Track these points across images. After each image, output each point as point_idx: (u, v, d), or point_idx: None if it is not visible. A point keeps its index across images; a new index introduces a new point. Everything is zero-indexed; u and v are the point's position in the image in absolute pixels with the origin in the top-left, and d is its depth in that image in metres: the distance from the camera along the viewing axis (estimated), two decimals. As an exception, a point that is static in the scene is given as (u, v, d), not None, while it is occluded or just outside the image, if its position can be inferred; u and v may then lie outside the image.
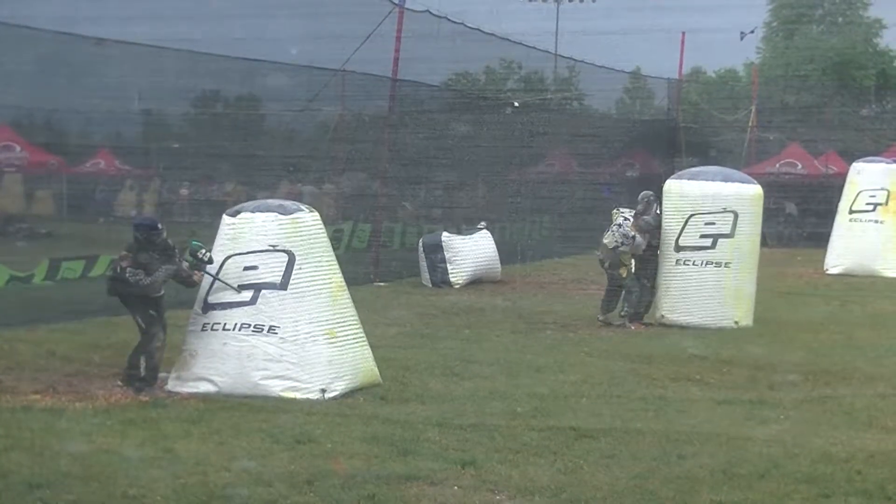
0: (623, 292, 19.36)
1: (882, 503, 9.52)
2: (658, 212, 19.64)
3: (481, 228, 26.45)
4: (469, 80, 39.93)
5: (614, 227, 19.37)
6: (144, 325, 13.20)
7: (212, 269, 13.23)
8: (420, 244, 25.51)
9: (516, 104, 34.65)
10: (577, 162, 37.52)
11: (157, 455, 10.36)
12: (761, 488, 9.78)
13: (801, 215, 41.27)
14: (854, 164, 31.17)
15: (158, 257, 13.01)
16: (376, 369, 13.53)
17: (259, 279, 13.07)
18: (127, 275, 12.97)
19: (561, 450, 10.76)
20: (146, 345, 13.21)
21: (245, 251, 13.15)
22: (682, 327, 18.87)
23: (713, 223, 19.21)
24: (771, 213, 31.74)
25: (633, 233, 19.24)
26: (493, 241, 26.17)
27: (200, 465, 9.99)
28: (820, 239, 32.21)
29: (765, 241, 23.76)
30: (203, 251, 13.09)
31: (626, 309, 19.27)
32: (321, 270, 13.33)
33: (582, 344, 17.30)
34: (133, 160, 29.09)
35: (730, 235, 19.21)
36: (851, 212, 30.02)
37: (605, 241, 19.45)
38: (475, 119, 31.87)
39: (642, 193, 20.51)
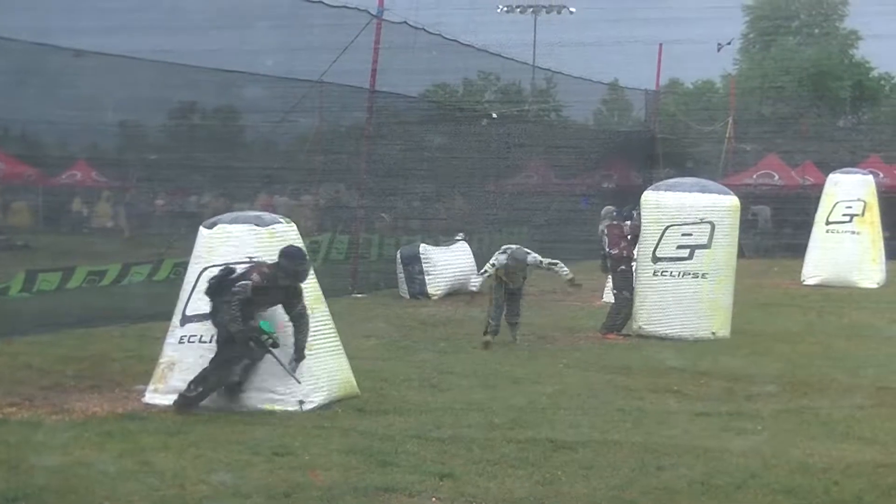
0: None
1: (859, 514, 9.57)
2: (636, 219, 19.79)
3: (459, 240, 26.47)
4: (447, 91, 39.96)
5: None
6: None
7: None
8: (398, 255, 25.50)
9: (494, 115, 34.69)
10: (555, 173, 37.60)
11: (134, 468, 10.32)
12: (739, 499, 9.80)
13: (778, 226, 41.44)
14: (831, 176, 31.26)
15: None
16: (354, 381, 13.51)
17: (236, 291, 13.02)
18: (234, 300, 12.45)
19: (539, 461, 10.75)
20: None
21: (222, 263, 13.10)
22: (660, 338, 18.88)
23: (690, 234, 19.23)
24: (748, 224, 31.86)
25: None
26: (471, 253, 26.17)
27: (178, 478, 9.95)
28: (797, 250, 32.30)
29: (742, 252, 23.82)
30: (267, 336, 12.60)
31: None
32: (299, 282, 13.29)
33: (559, 355, 17.29)
34: (110, 172, 29.01)
35: (707, 246, 19.23)
36: (828, 223, 30.11)
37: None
38: (453, 130, 31.86)
39: (604, 209, 20.81)
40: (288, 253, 12.71)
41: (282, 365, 12.56)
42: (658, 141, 42.42)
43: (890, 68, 55.44)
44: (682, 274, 19.25)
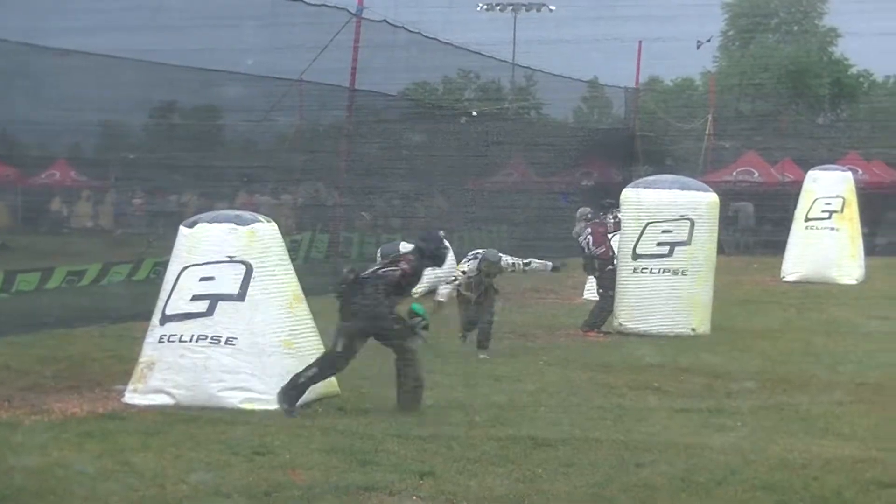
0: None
1: (838, 510, 9.59)
2: (615, 219, 19.81)
3: (439, 238, 26.40)
4: (427, 89, 39.96)
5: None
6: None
7: (168, 283, 13.15)
8: (378, 254, 25.46)
9: (474, 113, 34.72)
10: (535, 171, 37.62)
11: (114, 468, 10.29)
12: (719, 495, 9.80)
13: (758, 222, 41.54)
14: (810, 172, 31.34)
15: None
16: (334, 380, 13.49)
17: (216, 290, 13.01)
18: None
19: (519, 459, 10.75)
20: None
21: (202, 262, 13.09)
22: (640, 335, 18.91)
23: (670, 231, 19.27)
24: (729, 221, 31.93)
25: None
26: (451, 251, 26.10)
27: (158, 478, 9.93)
28: (777, 246, 32.37)
29: (721, 249, 23.87)
30: (420, 319, 12.80)
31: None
32: (279, 281, 13.30)
33: (540, 353, 17.31)
34: (90, 171, 28.95)
35: (686, 243, 19.27)
36: (807, 219, 30.18)
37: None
38: (433, 129, 31.87)
39: (579, 211, 20.87)
40: (429, 237, 13.01)
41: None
42: (638, 138, 42.50)
43: (868, 65, 55.77)
44: (661, 271, 19.29)
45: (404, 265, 12.73)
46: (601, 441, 11.49)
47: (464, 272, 17.38)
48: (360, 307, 12.59)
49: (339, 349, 12.66)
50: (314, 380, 12.66)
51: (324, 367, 12.71)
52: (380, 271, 12.74)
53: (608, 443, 11.42)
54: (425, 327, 12.79)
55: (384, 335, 12.69)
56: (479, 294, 17.32)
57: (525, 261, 17.91)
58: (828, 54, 56.94)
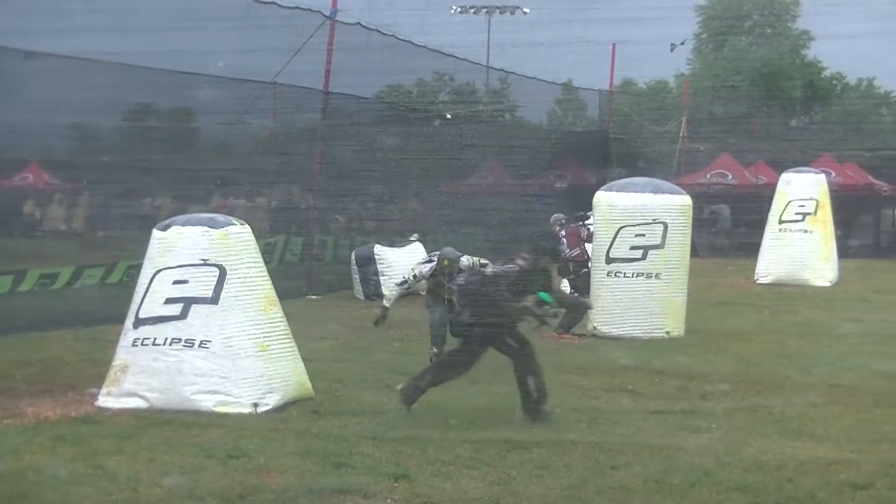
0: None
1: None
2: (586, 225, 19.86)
3: (413, 241, 26.43)
4: (401, 92, 39.92)
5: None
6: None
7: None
8: (352, 257, 25.45)
9: (448, 116, 34.69)
10: (510, 173, 37.61)
11: (87, 471, 10.26)
12: (693, 497, 9.85)
13: (732, 225, 41.64)
14: (783, 175, 31.43)
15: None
16: (309, 383, 13.48)
17: (190, 293, 12.99)
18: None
19: (494, 462, 10.76)
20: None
21: (175, 265, 13.06)
22: (615, 338, 18.93)
23: (643, 234, 19.29)
24: (703, 223, 31.98)
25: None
26: (425, 254, 26.11)
27: (132, 481, 9.91)
28: (751, 249, 32.44)
29: (696, 252, 23.92)
30: (549, 306, 12.87)
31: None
32: (252, 284, 13.27)
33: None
34: (63, 174, 28.82)
35: (660, 246, 19.30)
36: (781, 221, 30.27)
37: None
38: (407, 131, 31.83)
39: (553, 216, 20.87)
40: (547, 235, 12.95)
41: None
42: (611, 141, 42.54)
43: (841, 68, 55.98)
44: (635, 274, 19.32)
45: (520, 262, 12.76)
46: (576, 443, 11.51)
47: (415, 276, 16.94)
48: (481, 307, 12.64)
49: (462, 353, 12.88)
50: (434, 383, 12.82)
51: (443, 371, 12.93)
52: (498, 270, 12.84)
53: (583, 445, 11.44)
54: (555, 315, 12.94)
55: (503, 336, 12.73)
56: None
57: (483, 261, 17.00)
58: (801, 57, 57.14)
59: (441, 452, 11.03)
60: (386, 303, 16.80)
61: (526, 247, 13.10)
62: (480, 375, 15.22)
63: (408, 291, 17.44)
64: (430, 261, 16.96)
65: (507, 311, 12.63)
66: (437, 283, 16.65)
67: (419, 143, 31.67)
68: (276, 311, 13.42)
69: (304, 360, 13.61)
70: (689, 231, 20.03)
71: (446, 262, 16.52)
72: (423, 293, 17.53)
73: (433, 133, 32.68)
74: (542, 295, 12.82)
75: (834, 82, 55.95)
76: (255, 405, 12.69)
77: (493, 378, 15.11)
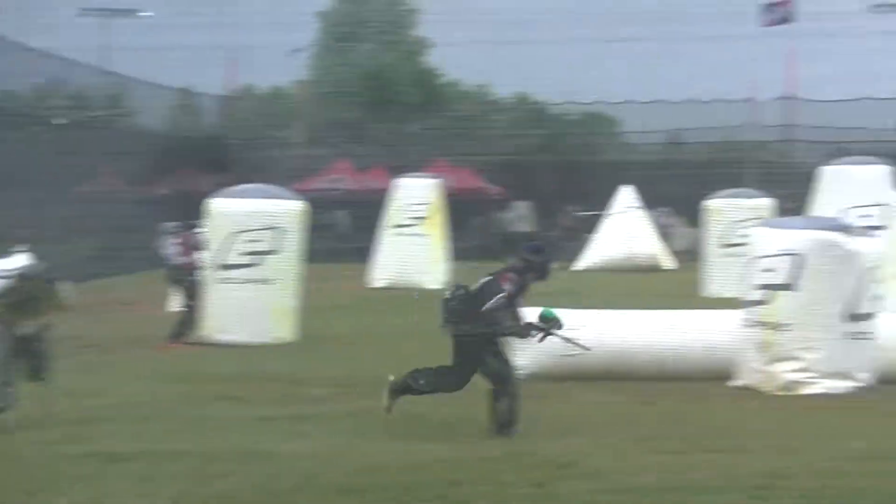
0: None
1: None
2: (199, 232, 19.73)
3: (19, 251, 25.52)
4: (12, 97, 38.66)
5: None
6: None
7: None
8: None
9: (64, 121, 33.91)
10: (125, 179, 37.05)
11: None
12: (298, 501, 9.90)
13: (351, 230, 42.14)
14: (397, 180, 32.00)
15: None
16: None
17: None
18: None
19: (93, 476, 10.49)
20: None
21: None
22: (227, 345, 18.81)
23: (256, 241, 19.30)
24: (321, 229, 32.14)
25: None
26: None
27: None
28: (367, 253, 32.83)
29: (312, 257, 24.05)
30: (553, 321, 12.47)
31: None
32: None
33: (122, 366, 17.03)
34: None
35: (273, 252, 19.37)
36: (395, 226, 30.84)
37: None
38: (19, 137, 30.93)
39: (163, 225, 20.76)
40: (535, 248, 12.76)
41: (571, 342, 12.79)
42: (229, 146, 42.38)
43: (457, 76, 57.40)
44: (248, 280, 19.30)
45: (507, 285, 12.40)
46: (181, 453, 11.37)
47: None
48: (474, 323, 12.38)
49: (458, 367, 12.51)
50: (423, 391, 12.56)
51: (438, 382, 12.57)
52: (487, 286, 12.48)
53: (188, 455, 11.32)
54: (560, 326, 12.56)
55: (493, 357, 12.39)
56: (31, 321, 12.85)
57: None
58: (418, 64, 58.30)
59: (35, 470, 10.67)
60: None
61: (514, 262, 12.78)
62: (82, 389, 14.81)
63: None
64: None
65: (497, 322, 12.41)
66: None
67: (30, 149, 30.87)
68: None
69: None
70: (302, 237, 20.13)
71: (26, 287, 13.01)
72: None
73: (46, 139, 31.89)
74: (546, 312, 12.64)
75: (450, 88, 57.31)
76: None
77: (97, 391, 14.82)
